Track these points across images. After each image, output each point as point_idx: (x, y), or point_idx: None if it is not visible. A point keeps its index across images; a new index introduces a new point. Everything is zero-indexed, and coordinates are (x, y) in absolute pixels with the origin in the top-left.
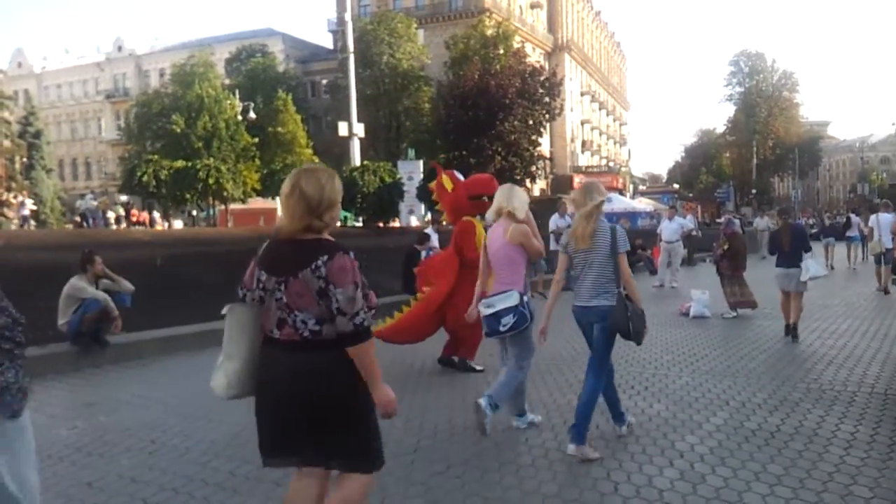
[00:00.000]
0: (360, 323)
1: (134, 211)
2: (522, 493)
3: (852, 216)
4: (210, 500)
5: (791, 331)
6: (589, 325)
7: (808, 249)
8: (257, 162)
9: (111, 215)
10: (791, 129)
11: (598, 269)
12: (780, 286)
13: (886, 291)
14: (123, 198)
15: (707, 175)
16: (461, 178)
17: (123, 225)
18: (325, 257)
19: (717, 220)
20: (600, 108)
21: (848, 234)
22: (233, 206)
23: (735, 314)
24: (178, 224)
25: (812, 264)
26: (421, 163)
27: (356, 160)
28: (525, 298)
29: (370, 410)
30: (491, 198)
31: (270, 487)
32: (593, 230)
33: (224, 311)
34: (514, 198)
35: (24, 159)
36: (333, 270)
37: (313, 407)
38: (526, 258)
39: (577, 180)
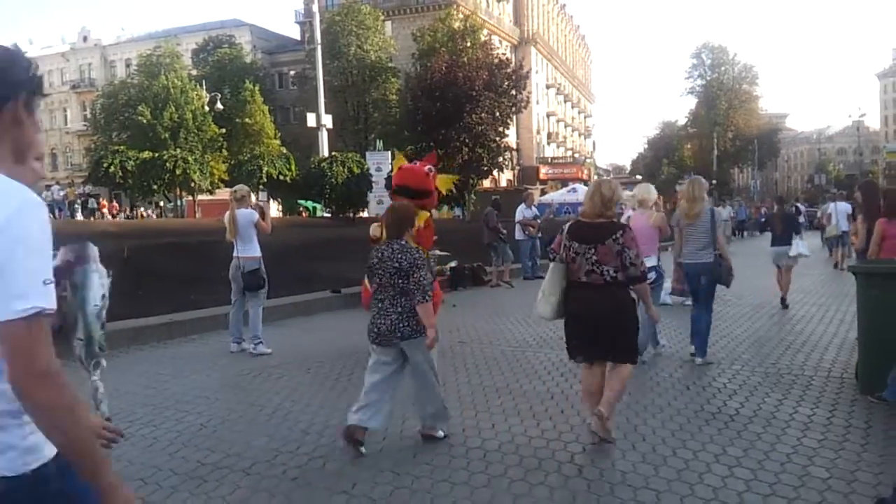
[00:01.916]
0: (643, 271)
1: (103, 202)
2: (489, 478)
3: (799, 205)
4: (178, 490)
5: (782, 300)
6: (696, 276)
7: (798, 232)
8: (225, 153)
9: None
10: (751, 122)
11: (701, 236)
12: (775, 262)
13: (842, 268)
14: (87, 187)
15: (669, 166)
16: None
17: (108, 217)
18: (621, 232)
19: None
20: (565, 101)
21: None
22: (200, 197)
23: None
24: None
25: (799, 244)
26: (389, 154)
27: (324, 151)
28: (658, 262)
29: (638, 324)
30: (407, 190)
31: (239, 476)
32: (699, 211)
33: (550, 266)
34: (651, 193)
35: None
36: (626, 240)
37: (610, 322)
38: (659, 235)
39: (543, 171)
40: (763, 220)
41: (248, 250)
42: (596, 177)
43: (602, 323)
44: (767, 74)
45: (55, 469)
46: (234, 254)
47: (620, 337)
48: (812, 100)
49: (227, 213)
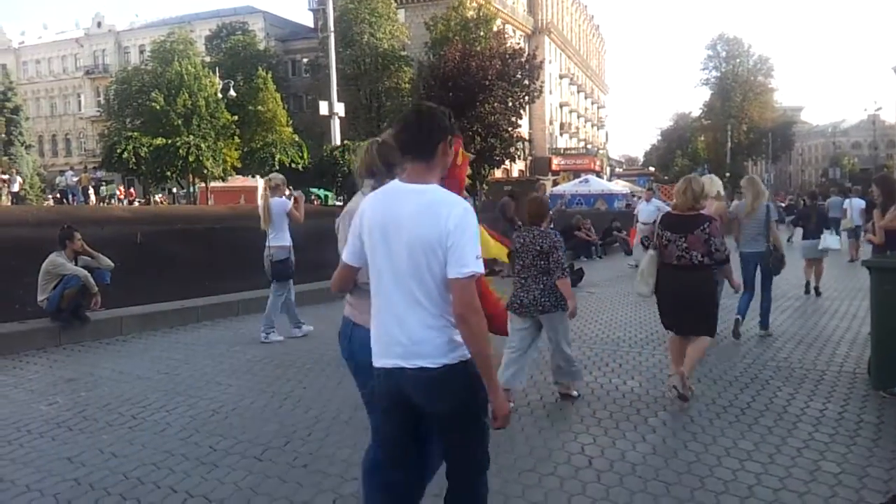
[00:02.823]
0: (726, 255)
1: (121, 188)
2: (498, 468)
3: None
4: (190, 475)
5: (815, 290)
6: (752, 263)
7: (829, 227)
8: (237, 140)
9: (91, 193)
10: (765, 114)
11: (757, 228)
12: (805, 255)
13: (855, 259)
14: (99, 173)
15: (682, 158)
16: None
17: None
18: (707, 224)
19: None
20: (579, 91)
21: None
22: (213, 183)
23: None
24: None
25: (829, 238)
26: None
27: (336, 139)
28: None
29: (717, 302)
30: None
31: (251, 462)
32: (757, 206)
33: (648, 253)
34: (714, 184)
35: (3, 135)
36: (712, 230)
37: (696, 299)
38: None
39: (556, 162)
40: (795, 214)
41: (279, 239)
42: (608, 168)
43: (689, 299)
44: (783, 67)
45: (472, 362)
46: (266, 242)
47: (702, 312)
48: (827, 93)
49: (261, 201)
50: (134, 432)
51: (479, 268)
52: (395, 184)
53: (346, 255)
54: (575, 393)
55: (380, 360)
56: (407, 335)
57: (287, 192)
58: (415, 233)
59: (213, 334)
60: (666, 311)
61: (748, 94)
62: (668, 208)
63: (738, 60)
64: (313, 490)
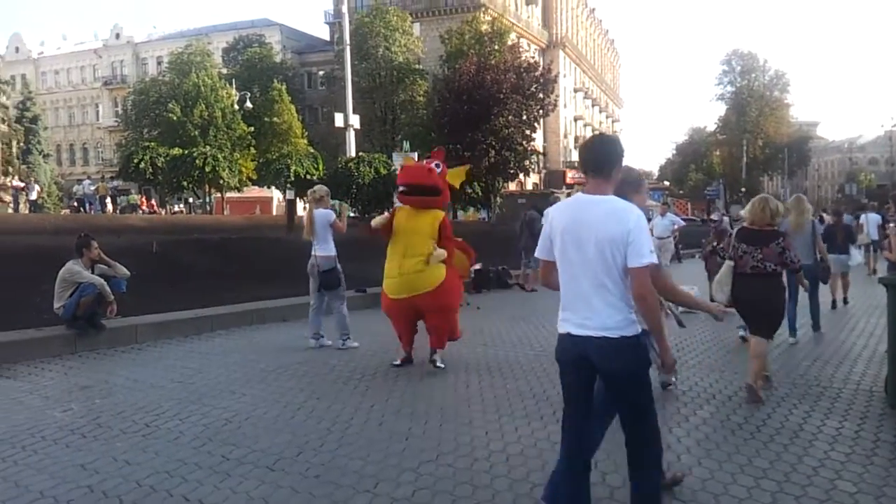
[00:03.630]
0: (799, 266)
1: (143, 199)
2: (511, 481)
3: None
4: (203, 484)
5: (844, 300)
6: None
7: (854, 241)
8: (253, 151)
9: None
10: (781, 129)
11: (804, 243)
12: (833, 270)
13: (875, 271)
14: (116, 183)
15: (697, 173)
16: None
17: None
18: (782, 238)
19: (712, 219)
20: (593, 105)
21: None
22: (229, 194)
23: None
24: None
25: (856, 253)
26: (416, 155)
27: (352, 151)
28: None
29: (785, 307)
30: (416, 188)
31: (264, 472)
32: (803, 221)
33: (725, 263)
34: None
35: (22, 144)
36: (786, 244)
37: (766, 303)
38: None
39: (570, 175)
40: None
41: (324, 249)
42: None
43: (761, 303)
44: (799, 82)
45: (640, 335)
46: (312, 252)
47: (769, 315)
48: (844, 108)
49: (306, 212)
50: (147, 440)
51: (654, 259)
52: (579, 196)
53: (541, 254)
54: (673, 379)
55: (569, 328)
56: (594, 312)
57: (329, 204)
58: (603, 233)
59: (227, 343)
60: (744, 315)
61: (764, 109)
62: (683, 223)
63: (753, 75)
64: (325, 501)
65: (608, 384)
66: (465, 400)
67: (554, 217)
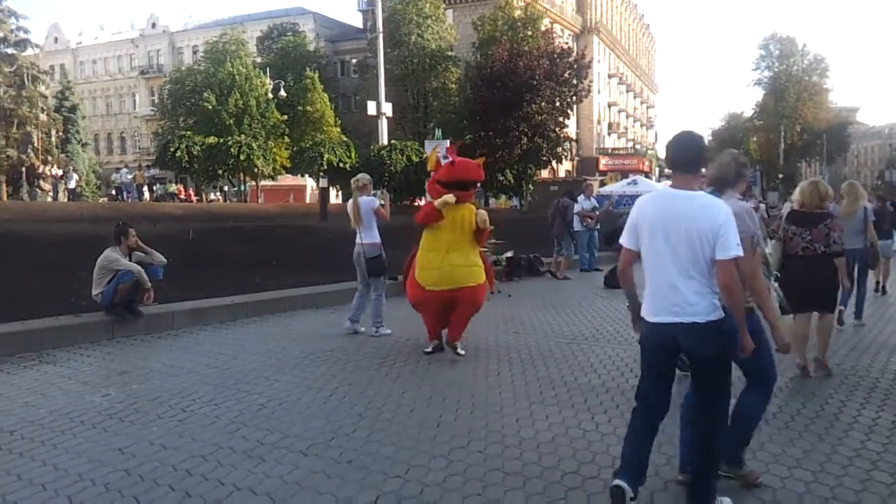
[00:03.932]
0: (842, 249)
1: (180, 188)
2: (542, 469)
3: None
4: (237, 468)
5: (882, 288)
6: (851, 259)
7: None
8: (287, 139)
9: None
10: (820, 115)
11: (857, 228)
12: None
13: None
14: (153, 171)
15: None
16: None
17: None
18: (829, 220)
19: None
20: (628, 91)
21: None
22: (263, 182)
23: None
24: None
25: None
26: (448, 142)
27: (384, 139)
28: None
29: (838, 285)
30: (468, 184)
31: (297, 457)
32: (856, 208)
33: (772, 243)
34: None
35: (60, 133)
36: (833, 226)
37: (821, 282)
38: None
39: (604, 162)
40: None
41: (370, 237)
42: (657, 169)
43: (815, 283)
44: (838, 67)
45: (724, 319)
46: (357, 240)
47: (826, 291)
48: (884, 94)
49: (351, 201)
50: (183, 425)
51: (740, 252)
52: (667, 189)
53: (628, 243)
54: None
55: (656, 317)
56: (682, 299)
57: (372, 191)
58: (694, 226)
59: (261, 330)
60: (792, 295)
61: (802, 95)
62: None
63: (791, 60)
64: (357, 486)
65: (695, 365)
66: (496, 387)
67: (642, 209)
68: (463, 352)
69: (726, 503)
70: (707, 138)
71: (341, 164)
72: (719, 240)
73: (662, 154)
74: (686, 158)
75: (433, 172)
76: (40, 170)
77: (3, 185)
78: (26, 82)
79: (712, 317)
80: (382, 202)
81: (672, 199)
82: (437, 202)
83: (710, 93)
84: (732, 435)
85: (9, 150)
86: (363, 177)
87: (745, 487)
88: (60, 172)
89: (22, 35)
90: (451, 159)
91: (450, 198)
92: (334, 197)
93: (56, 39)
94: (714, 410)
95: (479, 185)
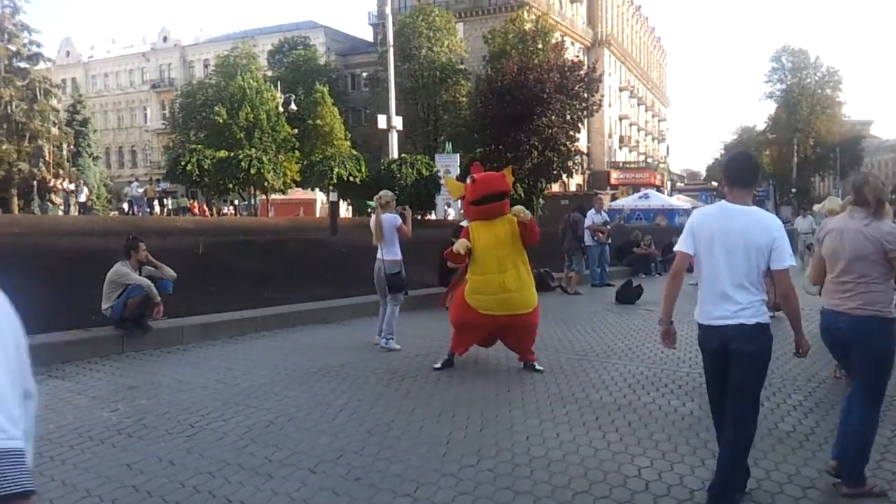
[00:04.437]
0: None
1: (193, 203)
2: (553, 488)
3: None
4: (245, 485)
5: None
6: None
7: None
8: (297, 153)
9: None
10: (833, 128)
11: None
12: None
13: None
14: (163, 185)
15: None
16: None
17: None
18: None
19: None
20: (639, 104)
21: None
22: (273, 196)
23: (773, 315)
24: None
25: None
26: (458, 156)
27: (394, 153)
28: None
29: None
30: (502, 196)
31: (305, 474)
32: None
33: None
34: (836, 203)
35: (72, 146)
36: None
37: None
38: None
39: (615, 176)
40: None
41: (391, 253)
42: (669, 182)
43: None
44: (851, 79)
45: (768, 324)
46: (378, 256)
47: None
48: None
49: (373, 218)
50: (192, 441)
51: (793, 262)
52: (724, 204)
53: (685, 247)
54: None
55: (710, 320)
56: (734, 304)
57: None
58: (751, 239)
59: (270, 345)
60: None
61: (815, 108)
62: None
63: (804, 73)
64: None
65: (736, 363)
66: (507, 404)
67: (699, 221)
68: (542, 367)
69: None
70: (720, 152)
71: (351, 178)
72: (774, 252)
73: (674, 168)
74: (743, 176)
75: (465, 196)
76: (52, 183)
77: (15, 199)
78: (38, 96)
79: (760, 319)
80: (404, 218)
81: (729, 214)
82: (454, 248)
83: (722, 106)
84: (855, 450)
85: (20, 164)
86: (385, 194)
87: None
88: (73, 187)
89: (34, 49)
90: (475, 177)
91: (462, 245)
92: (344, 211)
93: (68, 53)
94: (745, 413)
95: (507, 194)
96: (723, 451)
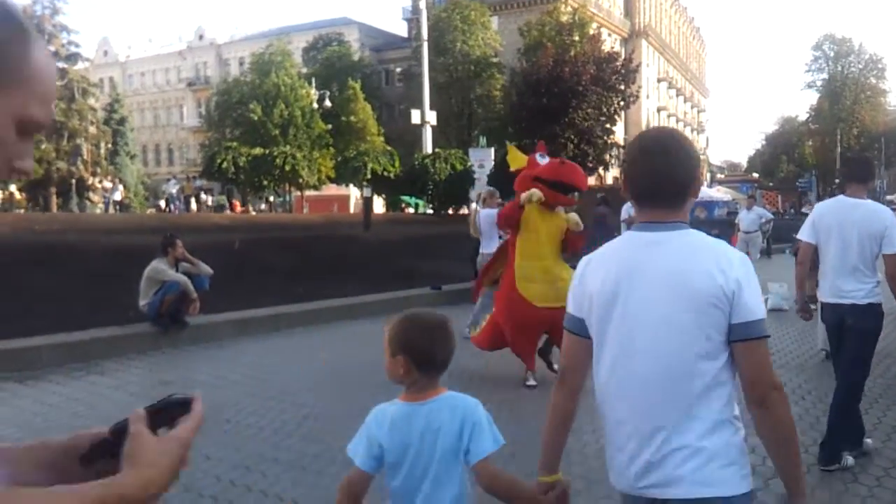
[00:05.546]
0: None
1: (236, 202)
2: (589, 483)
3: None
4: (281, 479)
5: None
6: None
7: None
8: (331, 149)
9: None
10: (877, 118)
11: None
12: None
13: None
14: (199, 182)
15: (788, 164)
16: (541, 160)
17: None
18: None
19: (803, 212)
20: (677, 95)
21: None
22: (308, 192)
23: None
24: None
25: None
26: (492, 150)
27: (428, 148)
28: None
29: None
30: (574, 191)
31: (340, 468)
32: None
33: None
34: None
35: (109, 145)
36: None
37: None
38: None
39: None
40: None
41: (489, 246)
42: (709, 174)
43: None
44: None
45: (879, 302)
46: (479, 250)
47: None
48: None
49: (472, 212)
50: (228, 436)
51: None
52: (842, 198)
53: (808, 238)
54: None
55: (828, 299)
56: (851, 286)
57: (499, 202)
58: (866, 229)
59: (305, 341)
60: None
61: (859, 97)
62: (771, 216)
63: (847, 61)
64: None
65: (851, 337)
66: (516, 408)
67: (822, 213)
68: None
69: (850, 462)
70: (761, 143)
71: (385, 174)
72: (885, 238)
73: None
74: (862, 173)
75: (525, 169)
76: (89, 182)
77: (54, 197)
78: (76, 95)
79: (873, 299)
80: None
81: (847, 207)
82: (522, 196)
83: (763, 96)
84: None
85: (59, 163)
86: (485, 190)
87: None
88: (111, 185)
89: (73, 49)
90: (558, 159)
91: (536, 193)
92: (379, 206)
93: (106, 53)
94: (856, 378)
95: (580, 193)
96: (832, 407)
